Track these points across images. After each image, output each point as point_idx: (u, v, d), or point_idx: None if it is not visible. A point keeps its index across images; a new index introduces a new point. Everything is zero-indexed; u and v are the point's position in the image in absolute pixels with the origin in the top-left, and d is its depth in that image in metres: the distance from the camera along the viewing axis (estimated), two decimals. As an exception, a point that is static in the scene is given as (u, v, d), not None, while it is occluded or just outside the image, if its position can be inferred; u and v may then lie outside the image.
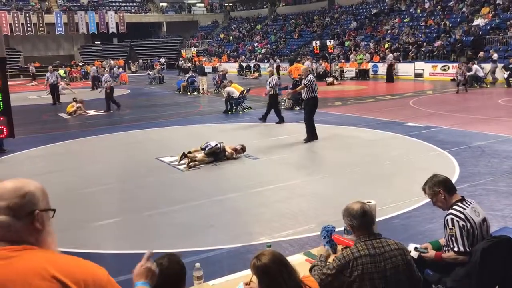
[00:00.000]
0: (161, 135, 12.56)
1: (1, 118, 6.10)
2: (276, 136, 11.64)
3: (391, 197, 6.52)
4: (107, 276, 1.49)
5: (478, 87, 20.55)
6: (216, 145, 9.02)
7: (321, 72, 27.27)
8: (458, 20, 28.21)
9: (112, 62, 39.46)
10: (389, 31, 31.88)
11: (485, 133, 10.59)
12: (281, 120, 13.29)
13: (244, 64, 36.63)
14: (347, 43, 33.03)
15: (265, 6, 51.18)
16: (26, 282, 1.36)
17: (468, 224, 3.31)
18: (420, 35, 28.83)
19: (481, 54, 23.01)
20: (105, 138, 12.35)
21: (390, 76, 24.99)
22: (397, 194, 6.68)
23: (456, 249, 3.31)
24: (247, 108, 16.37)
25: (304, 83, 10.67)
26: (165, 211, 6.46)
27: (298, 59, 30.03)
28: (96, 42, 50.90)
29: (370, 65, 28.35)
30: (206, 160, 8.90)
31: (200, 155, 8.90)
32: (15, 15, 42.03)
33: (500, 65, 21.51)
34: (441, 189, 3.45)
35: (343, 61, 29.94)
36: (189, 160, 8.73)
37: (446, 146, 9.41)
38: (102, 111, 17.64)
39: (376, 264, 2.72)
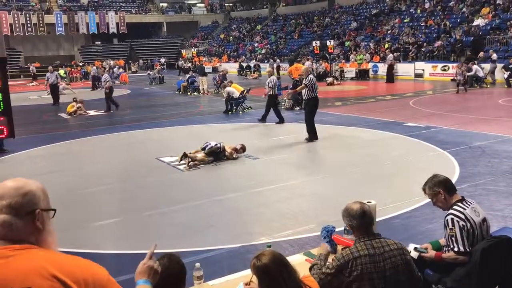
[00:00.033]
0: (161, 135, 12.56)
1: (1, 118, 6.10)
2: (276, 136, 11.64)
3: (391, 197, 6.52)
4: (107, 276, 1.50)
5: (478, 87, 20.56)
6: (216, 144, 9.04)
7: (321, 72, 27.27)
8: (458, 20, 28.22)
9: (111, 62, 39.49)
10: (389, 31, 31.89)
11: (485, 133, 10.59)
12: (281, 120, 13.29)
13: (244, 64, 36.63)
14: (347, 43, 33.03)
15: (265, 7, 51.19)
16: (26, 281, 1.36)
17: (468, 224, 3.31)
18: (420, 35, 28.84)
19: (481, 54, 23.01)
20: (105, 138, 12.36)
21: (390, 76, 24.99)
22: (397, 194, 6.68)
23: (456, 249, 3.31)
24: (247, 108, 16.37)
25: (304, 83, 10.66)
26: (165, 211, 6.47)
27: (298, 59, 30.01)
28: (96, 42, 50.93)
29: (370, 65, 28.36)
30: (207, 160, 8.92)
31: (200, 155, 8.91)
32: (16, 15, 42.04)
33: (499, 65, 21.51)
34: (441, 189, 3.45)
35: (343, 61, 29.94)
36: (189, 159, 8.75)
37: (446, 146, 9.42)
38: (102, 111, 17.65)
39: (376, 264, 2.72)
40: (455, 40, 26.02)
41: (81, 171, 8.91)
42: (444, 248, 3.47)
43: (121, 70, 37.59)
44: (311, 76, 10.83)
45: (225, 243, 5.28)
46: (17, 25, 41.92)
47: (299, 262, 3.16)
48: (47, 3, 47.36)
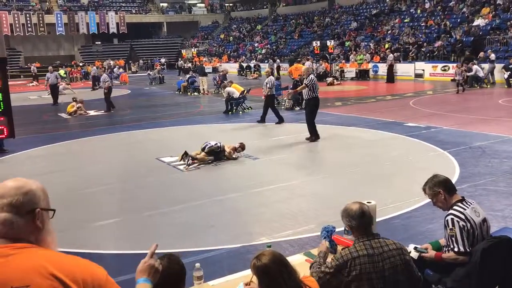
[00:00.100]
0: (162, 135, 12.56)
1: (2, 118, 6.10)
2: (276, 136, 11.64)
3: (391, 197, 6.52)
4: (106, 275, 1.50)
5: (478, 87, 20.55)
6: (216, 144, 9.05)
7: (321, 73, 27.27)
8: (459, 20, 28.22)
9: (111, 62, 39.50)
10: (389, 32, 31.89)
11: (485, 133, 10.58)
12: (280, 120, 13.28)
13: (244, 65, 36.64)
14: (347, 44, 33.03)
15: (265, 7, 51.20)
16: (26, 280, 1.37)
17: (468, 225, 3.31)
18: (421, 36, 28.83)
19: (481, 54, 23.00)
20: (105, 138, 12.36)
21: (391, 76, 24.99)
22: (397, 194, 6.68)
23: (456, 249, 3.31)
24: (247, 108, 16.37)
25: (305, 83, 10.66)
26: (165, 211, 6.47)
27: (298, 59, 30.03)
28: (96, 42, 50.94)
29: (370, 65, 28.36)
30: (207, 159, 8.94)
31: (200, 155, 8.93)
32: (16, 15, 42.04)
33: (499, 65, 21.50)
34: (441, 190, 3.45)
35: (343, 61, 29.94)
36: (190, 158, 8.76)
37: (446, 146, 9.41)
38: (103, 111, 17.65)
39: (374, 264, 2.72)
40: (455, 40, 26.02)
41: (81, 171, 8.91)
42: (444, 248, 3.47)
43: (121, 70, 37.59)
44: (312, 76, 10.83)
45: (225, 243, 5.28)
46: (17, 25, 41.92)
47: (299, 262, 3.17)
48: (47, 3, 47.37)
